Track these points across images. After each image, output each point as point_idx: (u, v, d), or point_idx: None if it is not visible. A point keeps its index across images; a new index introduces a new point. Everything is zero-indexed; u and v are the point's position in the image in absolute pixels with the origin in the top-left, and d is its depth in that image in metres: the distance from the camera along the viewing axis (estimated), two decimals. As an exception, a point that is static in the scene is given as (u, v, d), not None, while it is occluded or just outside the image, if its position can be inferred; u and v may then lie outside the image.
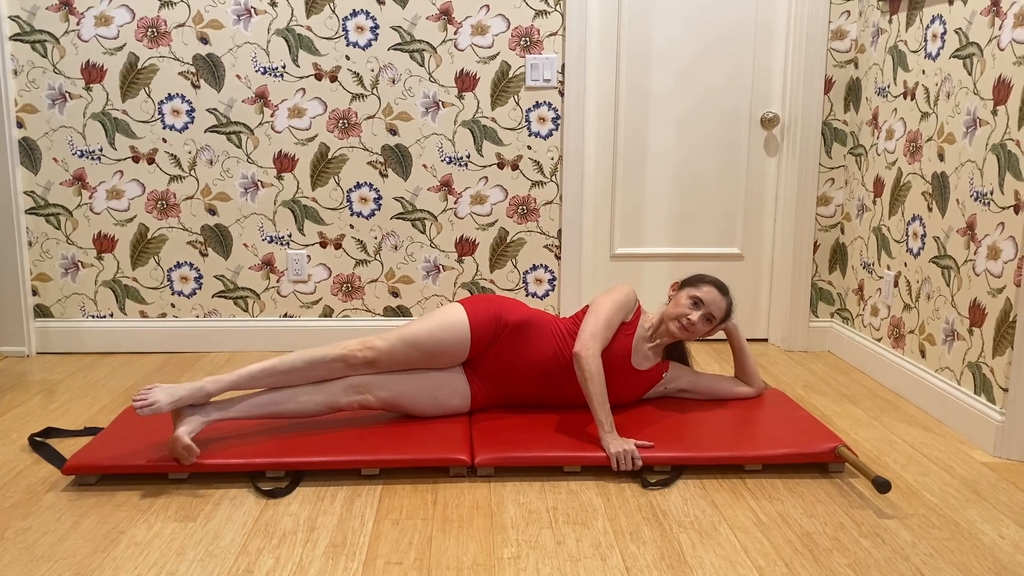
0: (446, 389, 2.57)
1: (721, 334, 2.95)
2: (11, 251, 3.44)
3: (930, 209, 2.96)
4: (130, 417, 2.60)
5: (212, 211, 3.54)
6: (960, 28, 2.78)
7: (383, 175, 3.55)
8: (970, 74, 2.72)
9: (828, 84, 3.54)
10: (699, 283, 2.63)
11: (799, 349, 3.71)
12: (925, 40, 3.00)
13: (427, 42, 3.45)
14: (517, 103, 3.51)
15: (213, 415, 2.34)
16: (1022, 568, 1.92)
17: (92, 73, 3.40)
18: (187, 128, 3.46)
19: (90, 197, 3.49)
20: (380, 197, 3.56)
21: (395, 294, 3.64)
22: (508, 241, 3.63)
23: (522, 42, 3.47)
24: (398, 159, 3.54)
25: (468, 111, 3.51)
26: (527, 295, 3.67)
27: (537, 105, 3.52)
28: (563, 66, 3.48)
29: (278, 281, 3.61)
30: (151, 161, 3.48)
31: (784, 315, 3.72)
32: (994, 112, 2.60)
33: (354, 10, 3.41)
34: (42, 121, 3.42)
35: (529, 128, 3.53)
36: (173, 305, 3.59)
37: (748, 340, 3.69)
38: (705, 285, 2.62)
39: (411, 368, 2.54)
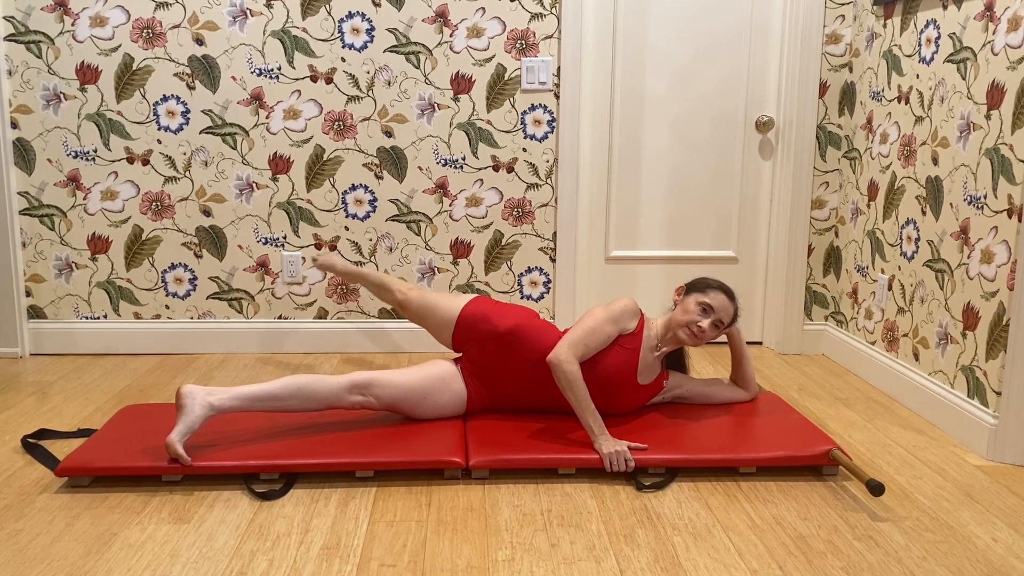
0: (445, 391, 2.58)
1: (721, 337, 2.95)
2: (5, 252, 3.43)
3: (924, 213, 2.97)
4: (124, 419, 2.60)
5: (207, 212, 3.53)
6: (954, 33, 2.79)
7: (378, 177, 3.55)
8: (964, 78, 2.74)
9: (823, 88, 3.55)
10: (706, 288, 2.60)
11: (793, 352, 3.72)
12: (919, 44, 3.01)
13: (423, 44, 3.46)
14: (512, 106, 3.51)
15: (213, 411, 2.32)
16: (1015, 571, 1.93)
17: (87, 74, 3.40)
18: (182, 129, 3.46)
19: (84, 198, 3.48)
20: (375, 199, 3.56)
21: (405, 281, 3.63)
22: (503, 243, 3.63)
23: (518, 45, 3.47)
24: (393, 161, 3.54)
25: (463, 113, 3.51)
26: (522, 297, 3.67)
27: (532, 108, 3.52)
28: (558, 69, 3.49)
29: (273, 283, 3.60)
30: (146, 162, 3.48)
31: (778, 318, 3.72)
32: (988, 116, 2.61)
33: (350, 12, 3.41)
34: (36, 122, 3.42)
35: (524, 131, 3.54)
36: (167, 307, 3.59)
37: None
38: (712, 290, 2.59)
39: (420, 324, 2.88)
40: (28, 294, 3.54)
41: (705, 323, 2.55)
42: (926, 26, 2.96)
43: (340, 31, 3.43)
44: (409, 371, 2.58)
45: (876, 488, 2.18)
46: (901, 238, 3.12)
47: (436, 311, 2.77)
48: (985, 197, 2.62)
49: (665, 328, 2.63)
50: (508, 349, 2.58)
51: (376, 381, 2.50)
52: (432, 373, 2.59)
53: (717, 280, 2.64)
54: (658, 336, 2.64)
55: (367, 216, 3.57)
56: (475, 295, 2.78)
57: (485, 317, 2.64)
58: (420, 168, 3.55)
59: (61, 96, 3.41)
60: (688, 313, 2.57)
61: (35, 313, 3.56)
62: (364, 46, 3.44)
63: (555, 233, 3.62)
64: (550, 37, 3.47)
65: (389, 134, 3.52)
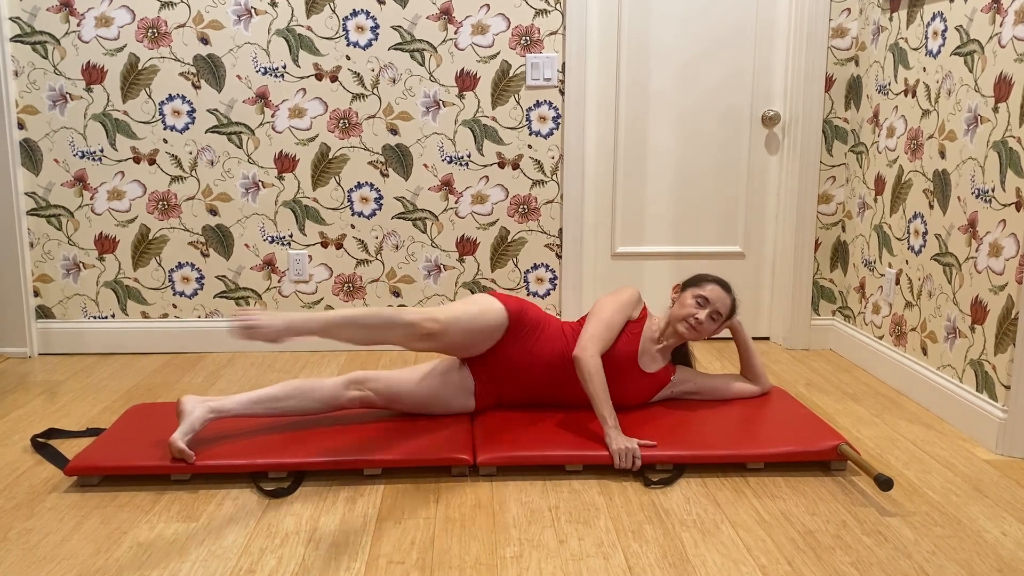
0: (450, 386, 2.57)
1: (725, 332, 2.96)
2: (12, 252, 3.44)
3: (931, 206, 2.96)
4: (132, 418, 2.60)
5: (213, 211, 3.54)
6: (961, 25, 2.78)
7: (384, 175, 3.55)
8: (971, 71, 2.72)
9: (829, 82, 3.54)
10: (702, 282, 2.65)
11: (801, 347, 3.71)
12: (926, 37, 2.99)
13: (427, 42, 3.45)
14: (517, 102, 3.51)
15: (214, 413, 2.34)
16: (1025, 565, 1.92)
17: (93, 74, 3.40)
18: (188, 129, 3.47)
19: (91, 198, 3.49)
20: (381, 197, 3.56)
21: (396, 294, 3.64)
22: (509, 240, 3.63)
23: (522, 41, 3.47)
24: (399, 159, 3.54)
25: (469, 110, 3.51)
26: (528, 294, 3.67)
27: (537, 104, 3.52)
28: (563, 65, 3.48)
29: (279, 281, 3.61)
30: (152, 162, 3.49)
31: (786, 313, 3.71)
32: (995, 109, 2.60)
33: (354, 10, 3.41)
34: (43, 122, 3.43)
35: (530, 127, 3.53)
36: (175, 306, 3.59)
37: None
38: (708, 283, 2.64)
39: (454, 352, 2.54)
40: (36, 294, 3.56)
41: (702, 315, 2.58)
42: (932, 19, 2.95)
43: (345, 29, 3.43)
44: (411, 367, 2.60)
45: (885, 483, 2.18)
46: (908, 232, 3.11)
47: (484, 322, 2.49)
48: (993, 190, 2.60)
49: (665, 324, 2.67)
50: (525, 344, 2.58)
51: (374, 375, 2.51)
52: (436, 367, 2.59)
53: (714, 275, 2.69)
54: (659, 329, 2.67)
55: (373, 214, 3.57)
56: (479, 294, 2.62)
57: (522, 309, 2.57)
58: (425, 165, 3.55)
59: (67, 96, 3.41)
60: (685, 307, 2.60)
61: (43, 313, 3.57)
62: (369, 44, 3.44)
63: (561, 230, 3.62)
64: (555, 33, 3.46)
65: (394, 132, 3.52)
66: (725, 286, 2.65)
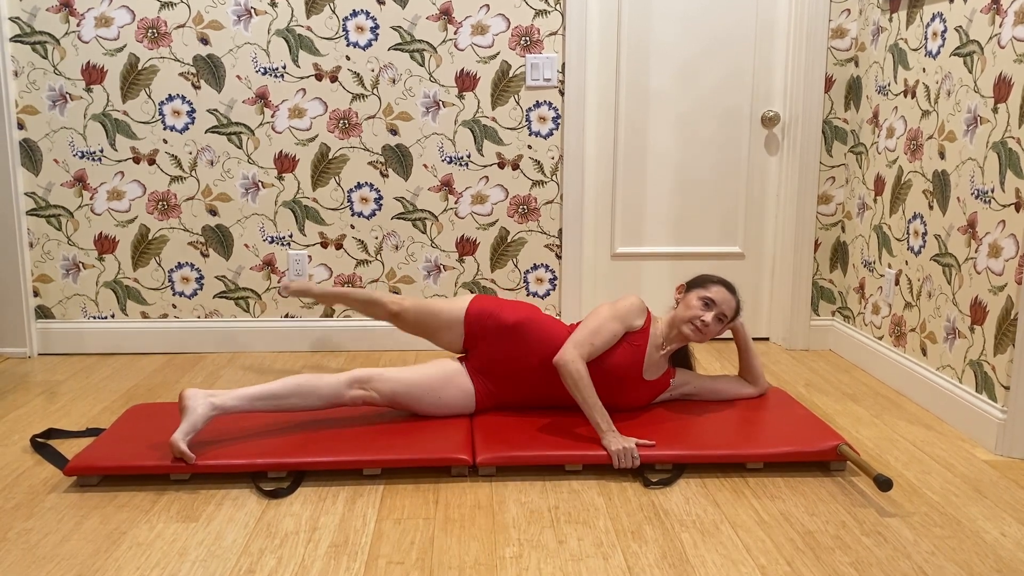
0: (450, 388, 2.57)
1: (726, 333, 2.95)
2: (12, 252, 3.44)
3: (931, 207, 2.96)
4: (131, 418, 2.60)
5: (213, 212, 3.54)
6: (960, 26, 2.78)
7: (384, 175, 3.55)
8: (971, 72, 2.72)
9: (828, 82, 3.54)
10: (707, 283, 2.62)
11: (800, 348, 3.71)
12: (925, 38, 3.00)
13: (427, 42, 3.45)
14: (517, 102, 3.51)
15: (216, 411, 2.34)
16: (1024, 566, 1.92)
17: (92, 74, 3.40)
18: (188, 129, 3.47)
19: (91, 198, 3.49)
20: (381, 197, 3.56)
21: (396, 294, 3.64)
22: (509, 241, 3.63)
23: (522, 41, 3.47)
24: (399, 159, 3.54)
25: (468, 111, 3.51)
26: (528, 295, 3.67)
27: (537, 104, 3.52)
28: (563, 65, 3.48)
29: (279, 281, 3.61)
30: (152, 162, 3.49)
31: (785, 314, 3.72)
32: (995, 110, 2.60)
33: (354, 10, 3.42)
34: (43, 122, 3.43)
35: (529, 127, 3.53)
36: (174, 306, 3.60)
37: (749, 339, 3.69)
38: (713, 285, 2.61)
39: (419, 334, 2.79)
40: (36, 294, 3.56)
41: (708, 317, 2.56)
42: (932, 19, 2.95)
43: (344, 29, 3.43)
44: (412, 367, 2.60)
45: (884, 483, 2.18)
46: (908, 232, 3.11)
47: (439, 315, 2.70)
48: (992, 191, 2.61)
49: (669, 326, 2.64)
50: (516, 344, 2.58)
51: (377, 375, 2.51)
52: (436, 369, 2.59)
53: (718, 276, 2.67)
54: (663, 334, 2.64)
55: (373, 214, 3.58)
56: (474, 295, 2.73)
57: (492, 313, 2.62)
58: (425, 166, 3.55)
59: (67, 96, 3.41)
60: (691, 308, 2.58)
61: (43, 313, 3.57)
62: (368, 44, 3.45)
63: (560, 230, 3.62)
64: (554, 34, 3.47)
65: (394, 132, 3.52)
66: (730, 287, 2.63)
